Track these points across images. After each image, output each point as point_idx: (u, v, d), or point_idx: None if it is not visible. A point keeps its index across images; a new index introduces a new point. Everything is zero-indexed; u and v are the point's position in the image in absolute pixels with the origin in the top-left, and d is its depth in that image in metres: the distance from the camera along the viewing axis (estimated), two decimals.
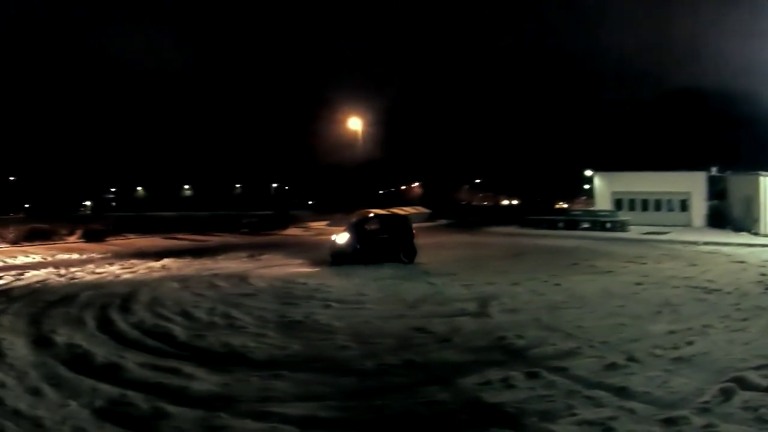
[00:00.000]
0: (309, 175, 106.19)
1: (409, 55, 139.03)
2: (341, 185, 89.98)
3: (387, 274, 23.25)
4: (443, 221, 69.07)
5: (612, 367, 10.56)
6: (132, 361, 11.22)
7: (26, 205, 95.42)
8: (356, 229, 27.43)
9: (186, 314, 15.70)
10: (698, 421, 8.12)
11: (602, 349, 11.75)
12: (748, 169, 50.92)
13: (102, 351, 11.99)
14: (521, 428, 8.03)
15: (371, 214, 33.38)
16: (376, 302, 17.49)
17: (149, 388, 9.72)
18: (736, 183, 53.42)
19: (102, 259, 28.93)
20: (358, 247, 26.62)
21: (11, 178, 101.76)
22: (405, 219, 31.41)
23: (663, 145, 77.77)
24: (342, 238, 26.85)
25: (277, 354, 11.89)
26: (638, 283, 20.54)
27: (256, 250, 32.88)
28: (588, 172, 72.06)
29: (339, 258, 26.49)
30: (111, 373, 10.58)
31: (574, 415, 8.40)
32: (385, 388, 9.83)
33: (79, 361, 11.36)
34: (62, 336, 13.25)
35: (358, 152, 70.55)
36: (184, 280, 21.78)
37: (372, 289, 19.91)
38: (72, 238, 38.99)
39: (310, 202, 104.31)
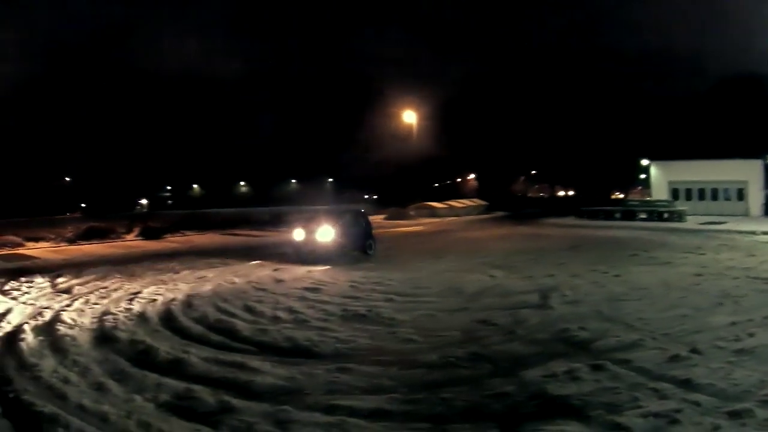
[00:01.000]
0: (364, 170, 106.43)
1: (464, 48, 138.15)
2: (396, 179, 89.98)
3: (444, 267, 23.32)
4: (500, 213, 68.97)
5: (675, 359, 10.54)
6: None
7: (82, 205, 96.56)
8: (340, 225, 27.25)
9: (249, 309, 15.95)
10: (762, 414, 8.08)
11: (664, 341, 11.70)
12: None
13: None
14: (587, 420, 8.06)
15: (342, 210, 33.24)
16: (436, 295, 17.55)
17: None
18: None
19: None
20: (341, 241, 26.64)
21: (67, 179, 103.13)
22: (365, 214, 31.49)
23: (719, 132, 76.56)
24: (326, 234, 26.44)
25: (342, 347, 12.02)
26: (698, 275, 20.33)
27: None
28: (644, 162, 71.32)
29: (322, 254, 26.08)
30: None
31: (639, 407, 8.39)
32: (451, 380, 9.91)
33: None
34: None
35: (412, 145, 70.62)
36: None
37: (432, 282, 19.96)
38: (129, 236, 39.40)
39: (365, 197, 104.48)
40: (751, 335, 12.06)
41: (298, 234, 27.04)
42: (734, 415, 8.07)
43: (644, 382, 9.45)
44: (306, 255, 26.04)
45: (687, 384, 9.30)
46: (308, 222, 27.58)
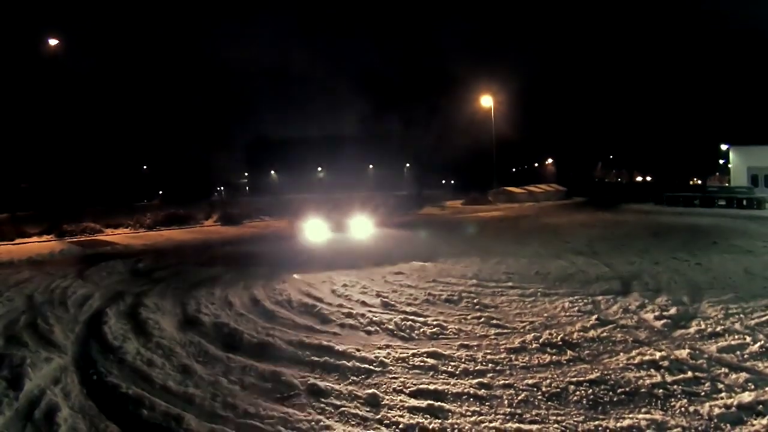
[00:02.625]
0: (442, 156, 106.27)
1: (541, 31, 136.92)
2: (475, 164, 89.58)
3: (527, 253, 23.31)
4: (579, 199, 68.37)
5: (762, 349, 10.41)
6: None
7: (160, 192, 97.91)
8: None
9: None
10: None
11: (747, 332, 11.52)
12: None
13: None
14: (668, 409, 8.13)
15: None
16: (520, 280, 17.56)
17: None
18: None
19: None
20: None
21: (144, 167, 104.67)
22: None
23: None
24: None
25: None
26: None
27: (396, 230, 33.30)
28: (723, 147, 70.11)
29: None
30: None
31: (719, 398, 8.43)
32: (536, 365, 10.04)
33: None
34: None
35: (490, 130, 70.45)
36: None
37: (514, 268, 19.95)
38: (208, 222, 40.02)
39: (443, 182, 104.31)
40: None
41: None
42: None
43: (725, 371, 9.43)
44: None
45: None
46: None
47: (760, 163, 57.99)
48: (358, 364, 10.16)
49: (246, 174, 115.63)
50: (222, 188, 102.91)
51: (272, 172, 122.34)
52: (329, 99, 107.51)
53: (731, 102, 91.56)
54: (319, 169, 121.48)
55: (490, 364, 10.08)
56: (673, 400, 8.44)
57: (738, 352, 10.35)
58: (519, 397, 8.68)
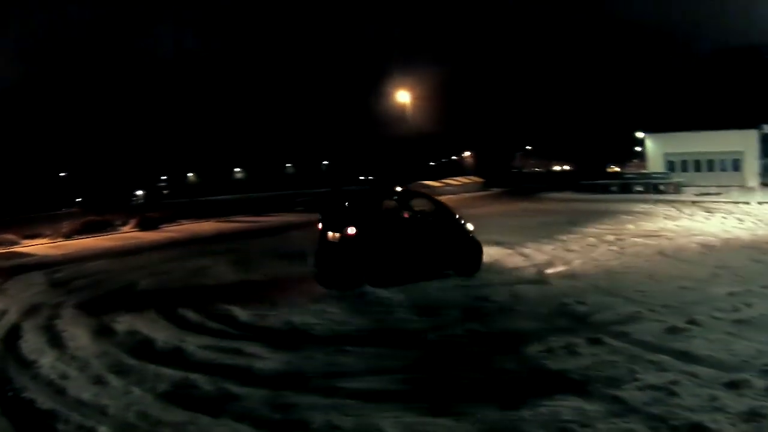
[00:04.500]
0: (360, 151, 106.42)
1: (458, 25, 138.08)
2: (393, 159, 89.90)
3: None
4: (497, 190, 68.78)
5: (673, 330, 10.59)
6: None
7: (78, 199, 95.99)
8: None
9: None
10: (761, 383, 8.14)
11: (663, 313, 11.73)
12: None
13: None
14: (587, 395, 8.11)
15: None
16: None
17: None
18: None
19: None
20: None
21: (61, 174, 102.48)
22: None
23: (715, 103, 76.51)
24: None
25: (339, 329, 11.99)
26: (696, 245, 20.42)
27: (314, 227, 32.63)
28: (639, 134, 71.28)
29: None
30: None
31: (637, 380, 8.46)
32: (450, 358, 9.97)
33: None
34: None
35: (408, 125, 70.59)
36: None
37: None
38: (127, 228, 39.24)
39: (360, 178, 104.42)
40: (749, 305, 12.11)
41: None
42: (732, 385, 8.13)
43: (642, 354, 9.52)
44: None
45: (685, 356, 9.35)
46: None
47: (675, 149, 59.28)
48: None
49: (164, 177, 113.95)
50: (140, 192, 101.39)
51: (190, 174, 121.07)
52: (243, 95, 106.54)
53: (646, 91, 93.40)
54: (238, 169, 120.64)
55: (399, 363, 9.92)
56: None
57: None
58: None
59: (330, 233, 15.78)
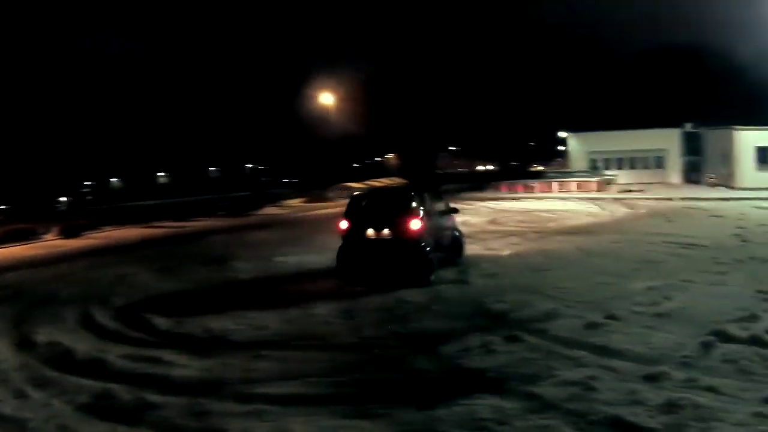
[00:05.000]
0: (284, 154, 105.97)
1: (382, 25, 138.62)
2: (317, 161, 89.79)
3: None
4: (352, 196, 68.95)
5: (591, 326, 10.62)
6: None
7: (2, 207, 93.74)
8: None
9: None
10: (679, 375, 8.16)
11: (582, 309, 11.78)
12: (723, 124, 51.22)
13: None
14: (504, 393, 8.01)
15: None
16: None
17: None
18: (711, 138, 53.91)
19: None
20: None
21: None
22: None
23: (638, 104, 78.02)
24: None
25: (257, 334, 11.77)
26: (616, 242, 20.75)
27: (236, 232, 32.44)
28: (562, 134, 72.24)
29: None
30: None
31: (554, 376, 8.42)
32: (368, 361, 9.83)
33: None
34: None
35: (332, 127, 70.57)
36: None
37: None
38: (50, 236, 38.43)
39: (286, 180, 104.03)
40: (668, 299, 12.27)
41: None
42: (651, 378, 8.14)
43: (560, 350, 9.51)
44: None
45: (603, 350, 9.36)
46: None
47: (599, 148, 60.23)
48: None
49: (87, 183, 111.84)
50: (64, 199, 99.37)
51: (114, 179, 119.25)
52: (166, 98, 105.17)
53: (570, 91, 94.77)
54: (161, 174, 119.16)
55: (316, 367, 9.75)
56: None
57: None
58: None
59: (370, 231, 15.89)
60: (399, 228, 15.56)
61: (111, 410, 8.40)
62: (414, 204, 16.13)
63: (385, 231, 15.74)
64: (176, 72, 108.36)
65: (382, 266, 15.85)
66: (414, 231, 15.51)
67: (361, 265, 16.05)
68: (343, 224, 16.31)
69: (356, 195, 17.72)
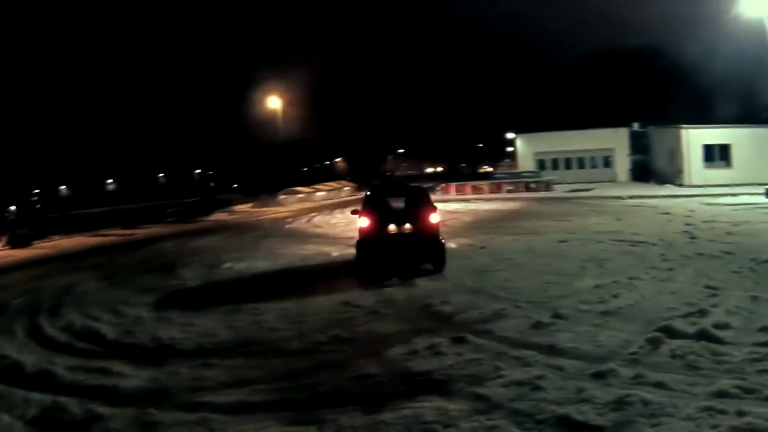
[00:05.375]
0: (233, 158, 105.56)
1: (327, 29, 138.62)
2: (265, 166, 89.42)
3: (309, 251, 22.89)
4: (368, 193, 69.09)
5: (538, 325, 10.65)
6: None
7: None
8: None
9: None
10: (627, 372, 8.20)
11: (528, 309, 11.83)
12: (670, 122, 51.95)
13: None
14: (450, 394, 7.98)
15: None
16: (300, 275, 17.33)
17: None
18: (658, 137, 54.70)
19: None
20: None
21: None
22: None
23: (585, 104, 78.93)
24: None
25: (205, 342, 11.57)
26: (563, 241, 20.92)
27: (185, 238, 32.17)
28: (510, 135, 72.79)
29: None
30: None
31: (501, 376, 8.38)
32: (314, 366, 9.68)
33: None
34: None
35: (279, 131, 70.42)
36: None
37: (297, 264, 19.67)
38: None
39: (235, 185, 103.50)
40: (615, 296, 12.40)
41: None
42: (598, 376, 8.18)
43: (507, 351, 9.48)
44: None
45: (550, 350, 9.38)
46: None
47: (546, 148, 60.90)
48: None
49: (36, 191, 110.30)
50: (13, 208, 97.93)
51: (62, 186, 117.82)
52: (113, 104, 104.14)
53: (517, 93, 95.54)
54: (110, 180, 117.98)
55: (262, 373, 9.63)
56: None
57: None
58: None
59: (392, 227, 17.06)
60: (419, 223, 17.06)
61: (60, 423, 8.24)
62: (427, 200, 18.06)
63: (407, 226, 17.02)
64: (123, 78, 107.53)
65: (405, 258, 17.14)
66: (434, 225, 17.20)
67: (385, 258, 17.12)
68: (364, 222, 17.28)
69: (369, 194, 18.73)
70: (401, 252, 17.02)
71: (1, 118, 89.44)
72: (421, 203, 17.80)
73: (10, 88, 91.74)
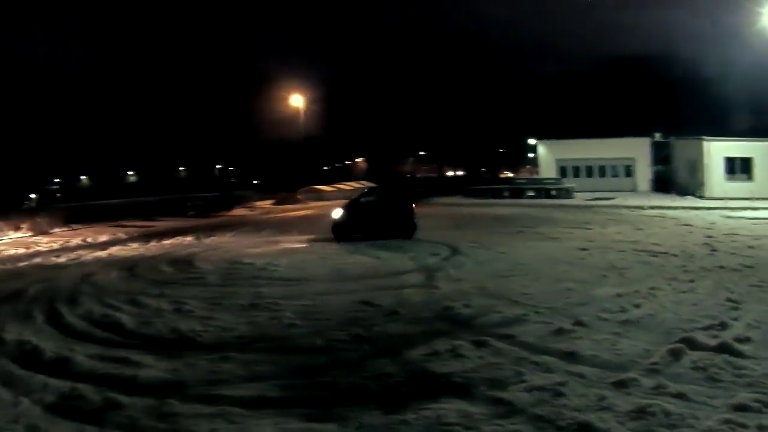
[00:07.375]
0: (253, 155, 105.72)
1: (352, 29, 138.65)
2: (285, 163, 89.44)
3: (334, 249, 22.96)
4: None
5: (559, 332, 10.64)
6: None
7: None
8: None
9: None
10: (648, 382, 8.17)
11: (549, 315, 11.81)
12: (690, 133, 51.71)
13: None
14: (470, 397, 7.99)
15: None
16: (321, 280, 17.17)
17: None
18: (680, 147, 54.33)
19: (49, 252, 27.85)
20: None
21: None
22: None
23: (607, 112, 78.65)
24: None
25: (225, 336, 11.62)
26: (584, 249, 20.83)
27: (207, 231, 32.26)
28: (532, 141, 72.56)
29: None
30: None
31: (523, 381, 8.38)
32: (334, 363, 9.72)
33: None
34: None
35: (301, 129, 70.50)
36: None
37: (317, 265, 19.56)
38: (18, 234, 38.12)
39: (255, 182, 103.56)
40: (636, 306, 12.34)
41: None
42: (619, 384, 8.15)
43: (528, 356, 9.48)
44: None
45: (571, 357, 9.37)
46: None
47: (568, 155, 60.40)
48: None
49: (57, 180, 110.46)
50: (33, 196, 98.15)
51: (83, 177, 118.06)
52: (136, 99, 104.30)
53: (540, 99, 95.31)
54: (131, 173, 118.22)
55: (281, 369, 9.69)
56: None
57: None
58: None
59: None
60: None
61: (79, 410, 8.26)
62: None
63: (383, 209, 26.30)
64: (151, 73, 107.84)
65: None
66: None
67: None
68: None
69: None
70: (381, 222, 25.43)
71: (27, 107, 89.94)
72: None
73: (37, 79, 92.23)
